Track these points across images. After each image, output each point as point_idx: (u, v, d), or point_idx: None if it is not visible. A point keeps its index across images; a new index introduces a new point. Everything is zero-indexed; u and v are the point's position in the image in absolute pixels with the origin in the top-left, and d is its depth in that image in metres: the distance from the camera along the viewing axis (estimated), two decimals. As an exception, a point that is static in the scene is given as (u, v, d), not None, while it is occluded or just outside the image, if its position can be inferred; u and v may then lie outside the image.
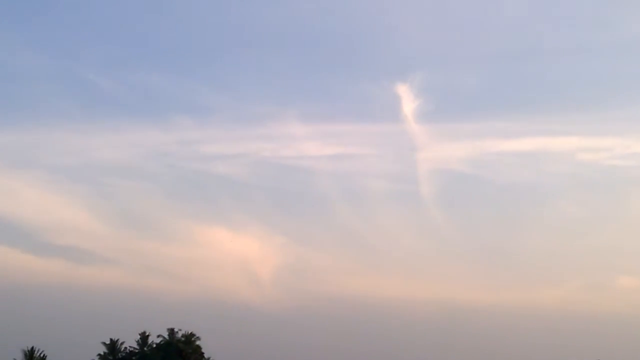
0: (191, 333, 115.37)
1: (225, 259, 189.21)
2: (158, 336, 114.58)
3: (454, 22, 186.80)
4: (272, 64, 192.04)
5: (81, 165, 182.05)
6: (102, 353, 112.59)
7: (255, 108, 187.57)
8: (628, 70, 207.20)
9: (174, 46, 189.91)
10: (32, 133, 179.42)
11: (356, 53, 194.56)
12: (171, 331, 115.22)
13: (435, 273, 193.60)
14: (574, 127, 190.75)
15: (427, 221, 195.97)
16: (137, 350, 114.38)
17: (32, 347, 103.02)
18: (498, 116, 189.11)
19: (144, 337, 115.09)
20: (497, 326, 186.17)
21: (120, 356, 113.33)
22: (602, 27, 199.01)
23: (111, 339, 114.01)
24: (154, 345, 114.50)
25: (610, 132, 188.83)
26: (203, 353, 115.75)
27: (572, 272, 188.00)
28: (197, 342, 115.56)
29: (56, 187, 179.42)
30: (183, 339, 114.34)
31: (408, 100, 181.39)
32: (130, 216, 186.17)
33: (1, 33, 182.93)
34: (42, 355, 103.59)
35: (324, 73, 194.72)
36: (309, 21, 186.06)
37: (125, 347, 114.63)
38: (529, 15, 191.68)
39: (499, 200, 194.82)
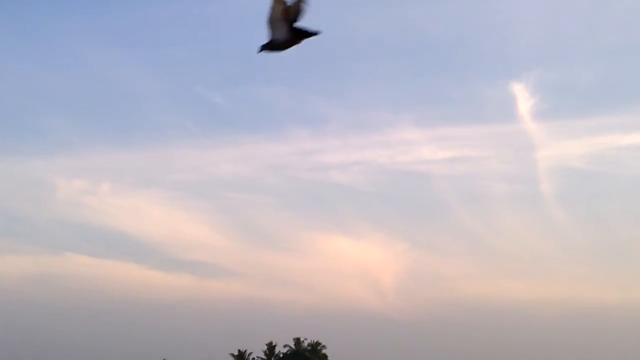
0: (317, 342, 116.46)
1: (347, 267, 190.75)
2: (284, 346, 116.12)
3: (568, 16, 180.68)
4: (385, 70, 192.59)
5: (201, 181, 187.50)
6: None
7: (369, 115, 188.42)
8: None
9: (285, 58, 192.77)
10: (152, 151, 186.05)
11: (468, 54, 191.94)
12: (297, 341, 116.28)
13: (560, 273, 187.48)
14: None
15: (549, 220, 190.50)
16: None
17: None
18: (618, 110, 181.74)
19: (270, 347, 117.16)
20: (629, 325, 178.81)
21: None
22: None
23: (239, 350, 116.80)
24: (281, 355, 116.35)
25: None
26: None
27: None
28: (323, 351, 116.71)
29: (178, 204, 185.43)
30: (309, 348, 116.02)
31: (524, 99, 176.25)
32: (252, 229, 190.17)
33: (116, 55, 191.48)
34: None
35: (437, 76, 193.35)
36: (420, 25, 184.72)
37: (253, 358, 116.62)
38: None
39: (624, 195, 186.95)
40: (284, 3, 6.62)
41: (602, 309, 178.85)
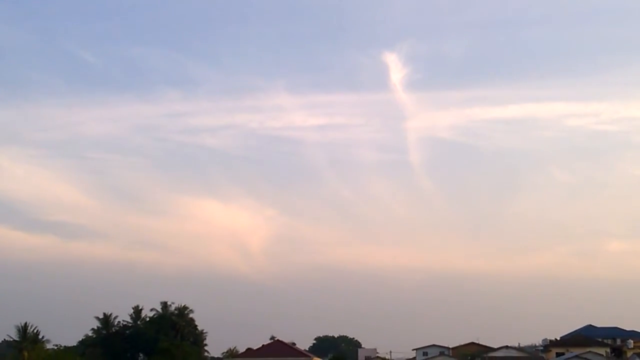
0: (184, 306, 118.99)
1: (216, 231, 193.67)
2: (151, 310, 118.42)
3: None
4: (259, 35, 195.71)
5: (67, 140, 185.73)
6: (95, 327, 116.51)
7: (242, 79, 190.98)
8: (614, 35, 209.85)
9: (159, 18, 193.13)
10: (15, 108, 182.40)
11: (343, 22, 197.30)
12: (164, 304, 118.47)
13: (424, 241, 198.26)
14: (561, 92, 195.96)
15: (416, 190, 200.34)
16: (130, 324, 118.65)
17: (26, 323, 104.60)
18: (486, 83, 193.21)
19: (137, 311, 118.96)
20: (487, 292, 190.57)
21: (114, 330, 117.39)
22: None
23: (104, 314, 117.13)
24: (148, 319, 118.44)
25: (598, 97, 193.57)
26: (196, 325, 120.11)
27: (562, 238, 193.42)
28: (190, 315, 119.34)
29: (43, 163, 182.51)
30: (176, 311, 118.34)
31: (396, 69, 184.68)
32: (119, 190, 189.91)
33: None
34: (35, 331, 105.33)
35: (311, 43, 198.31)
36: None
37: (119, 322, 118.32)
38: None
39: (488, 167, 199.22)
40: None
41: (462, 277, 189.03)
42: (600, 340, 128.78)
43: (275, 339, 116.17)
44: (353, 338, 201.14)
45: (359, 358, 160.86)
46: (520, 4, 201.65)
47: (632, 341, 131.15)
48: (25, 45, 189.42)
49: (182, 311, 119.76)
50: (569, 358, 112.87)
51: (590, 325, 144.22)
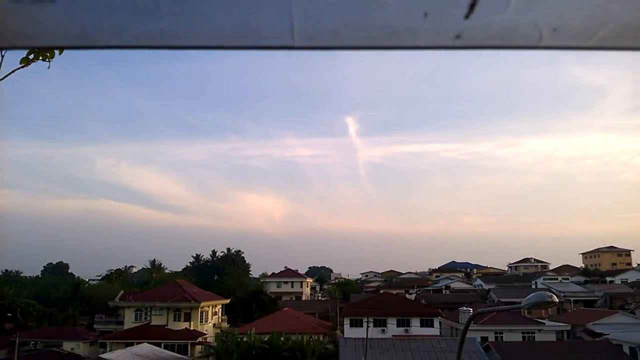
0: (239, 250, 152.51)
1: (255, 210, 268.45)
2: (221, 252, 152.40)
3: (377, 79, 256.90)
4: (280, 107, 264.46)
5: (178, 162, 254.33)
6: (191, 261, 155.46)
7: (272, 131, 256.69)
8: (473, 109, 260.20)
9: (229, 97, 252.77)
10: (150, 145, 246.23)
11: (324, 101, 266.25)
12: (228, 249, 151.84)
13: (366, 215, 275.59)
14: (439, 138, 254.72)
15: (363, 189, 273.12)
16: (210, 260, 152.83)
17: (154, 259, 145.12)
18: (400, 133, 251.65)
19: (213, 253, 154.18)
20: (398, 242, 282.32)
21: (201, 263, 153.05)
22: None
23: (196, 254, 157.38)
24: (219, 257, 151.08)
25: (458, 140, 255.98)
26: (245, 260, 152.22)
27: (437, 215, 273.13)
28: (242, 255, 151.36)
29: (165, 174, 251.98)
30: (234, 253, 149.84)
31: (352, 125, 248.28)
32: (205, 188, 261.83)
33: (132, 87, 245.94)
34: (159, 263, 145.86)
35: (307, 112, 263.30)
36: (300, 86, 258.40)
37: (204, 258, 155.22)
38: (415, 77, 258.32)
39: (400, 177, 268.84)
40: None
41: (384, 233, 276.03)
42: (459, 269, 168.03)
43: (287, 267, 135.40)
44: (328, 267, 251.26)
45: (331, 278, 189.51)
46: (418, 89, 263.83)
47: (476, 270, 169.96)
48: (154, 111, 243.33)
49: (238, 253, 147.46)
50: (442, 278, 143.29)
51: (454, 261, 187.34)
